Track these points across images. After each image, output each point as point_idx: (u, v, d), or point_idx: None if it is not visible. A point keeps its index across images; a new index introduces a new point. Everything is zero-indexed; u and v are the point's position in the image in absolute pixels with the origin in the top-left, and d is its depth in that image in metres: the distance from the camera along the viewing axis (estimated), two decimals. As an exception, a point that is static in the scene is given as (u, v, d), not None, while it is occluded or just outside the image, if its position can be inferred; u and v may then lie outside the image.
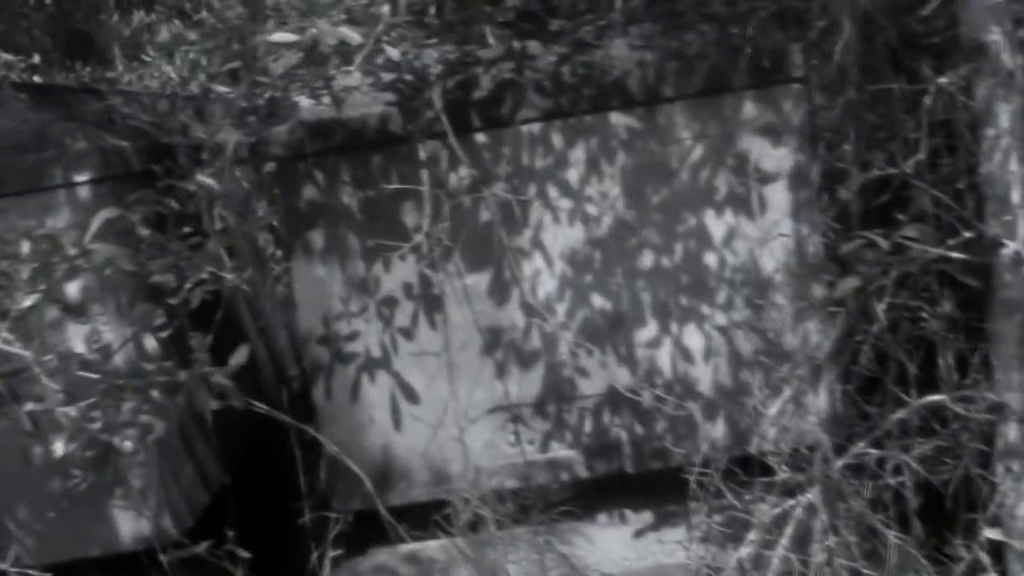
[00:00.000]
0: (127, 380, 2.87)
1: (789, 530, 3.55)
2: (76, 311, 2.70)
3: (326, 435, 4.20)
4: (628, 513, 4.25)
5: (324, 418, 4.21)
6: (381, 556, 4.34)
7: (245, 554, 3.77)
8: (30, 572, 2.78)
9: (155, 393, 2.86)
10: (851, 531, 3.49)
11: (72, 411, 2.69)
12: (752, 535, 3.69)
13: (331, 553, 4.31)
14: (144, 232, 2.90)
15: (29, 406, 2.60)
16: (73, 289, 3.54)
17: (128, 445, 2.83)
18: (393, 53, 3.46)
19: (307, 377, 4.48)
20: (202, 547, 3.55)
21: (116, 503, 4.08)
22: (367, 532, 4.45)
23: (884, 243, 3.23)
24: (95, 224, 2.70)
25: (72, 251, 2.59)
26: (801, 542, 3.73)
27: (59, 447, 2.68)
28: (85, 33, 11.10)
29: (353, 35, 3.29)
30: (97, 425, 2.75)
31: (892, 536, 3.47)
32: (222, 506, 4.51)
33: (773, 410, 3.59)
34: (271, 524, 4.57)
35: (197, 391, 2.92)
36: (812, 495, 3.57)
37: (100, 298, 3.99)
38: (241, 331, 5.23)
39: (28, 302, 2.67)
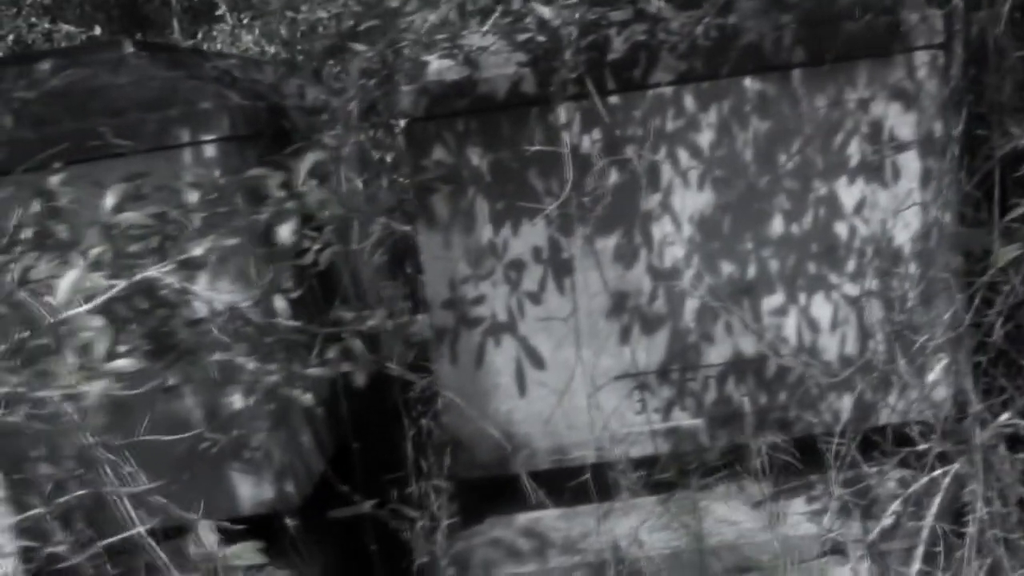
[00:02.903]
0: (311, 329, 2.82)
1: (938, 500, 3.49)
2: (283, 255, 2.65)
3: (448, 401, 4.15)
4: (749, 484, 4.18)
5: (447, 384, 4.16)
6: (497, 528, 4.29)
7: (414, 513, 3.73)
8: (225, 524, 2.74)
9: (357, 343, 2.81)
10: (1003, 503, 3.44)
11: (250, 363, 2.64)
12: (895, 505, 3.63)
13: (445, 523, 4.27)
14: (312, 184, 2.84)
15: (216, 355, 2.55)
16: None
17: (309, 398, 2.79)
18: (544, 11, 3.40)
19: (421, 344, 4.42)
20: (367, 506, 3.50)
21: (237, 466, 4.03)
22: (482, 503, 4.41)
23: (1053, 210, 3.17)
24: (304, 167, 2.65)
25: (280, 194, 2.53)
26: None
27: (237, 400, 2.64)
28: (135, 6, 11.05)
29: (509, -11, 3.23)
30: (274, 378, 2.70)
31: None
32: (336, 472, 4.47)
33: (931, 376, 3.52)
34: (374, 493, 4.54)
35: (394, 343, 2.87)
36: (960, 465, 3.51)
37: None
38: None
39: (199, 250, 2.62)
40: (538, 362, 4.11)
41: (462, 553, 4.25)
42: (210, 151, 3.98)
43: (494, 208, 4.03)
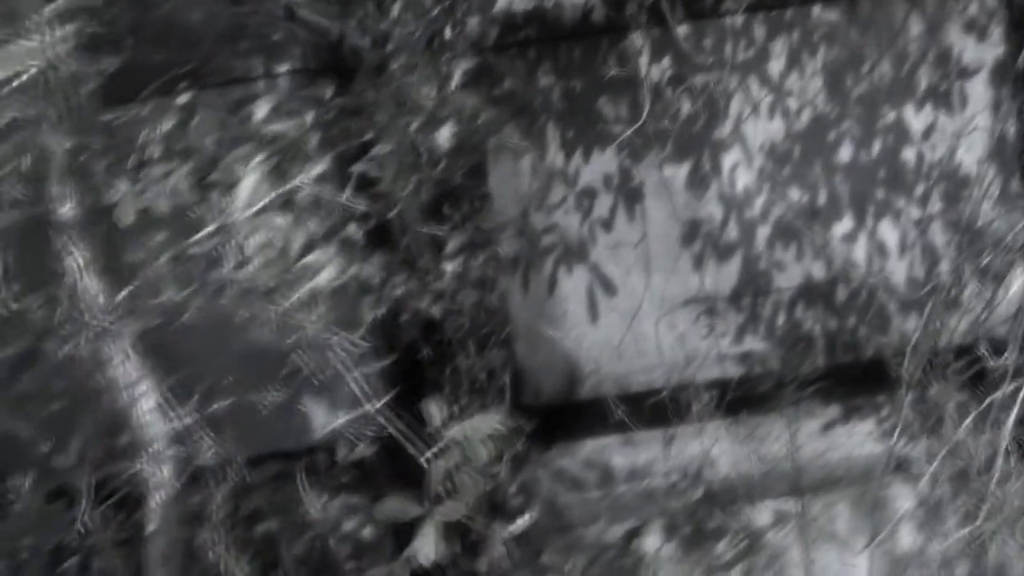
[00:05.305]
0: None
1: (1015, 412, 3.57)
2: (435, 163, 2.67)
3: (517, 328, 4.19)
4: (817, 405, 4.25)
5: (515, 311, 4.19)
6: (565, 454, 4.33)
7: (527, 425, 3.75)
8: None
9: (504, 248, 2.84)
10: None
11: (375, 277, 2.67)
12: (969, 421, 3.71)
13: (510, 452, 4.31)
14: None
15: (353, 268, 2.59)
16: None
17: (437, 311, 2.83)
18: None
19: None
20: (496, 422, 3.47)
21: (309, 393, 4.05)
22: (549, 430, 4.45)
23: None
24: (457, 75, 2.68)
25: (430, 103, 2.56)
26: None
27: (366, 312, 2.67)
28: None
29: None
30: (400, 291, 2.74)
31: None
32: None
33: (1012, 290, 3.60)
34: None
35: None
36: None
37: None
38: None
39: (317, 169, 2.66)
40: (608, 289, 4.14)
41: (529, 480, 4.29)
42: (283, 83, 3.97)
43: (565, 136, 4.05)
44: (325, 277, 2.24)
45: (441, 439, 2.61)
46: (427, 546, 2.56)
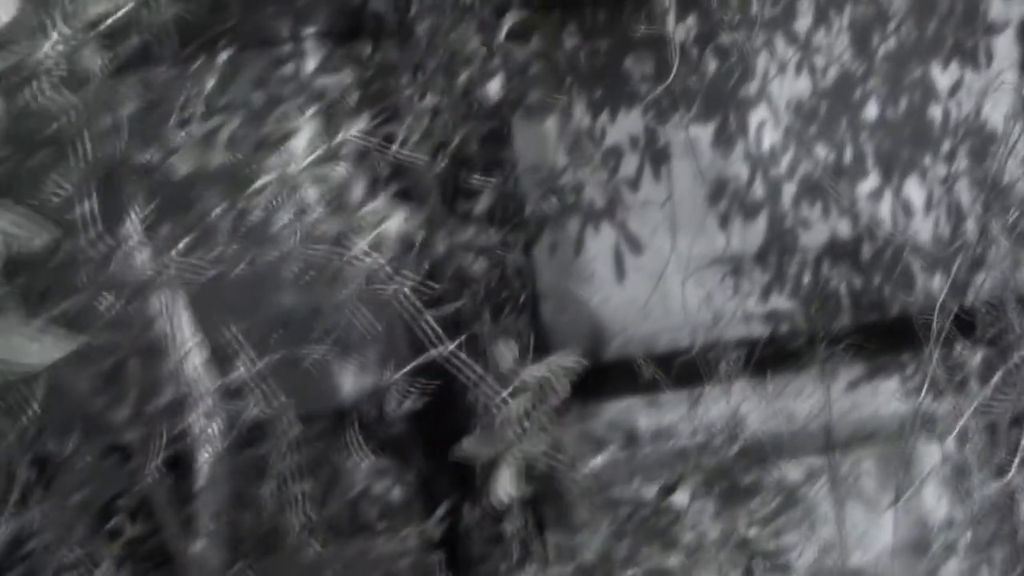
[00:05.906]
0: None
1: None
2: (490, 113, 2.66)
3: (543, 288, 4.20)
4: (843, 363, 4.27)
5: (541, 271, 4.20)
6: (592, 415, 4.34)
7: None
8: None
9: (553, 201, 2.82)
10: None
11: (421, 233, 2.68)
12: (996, 378, 3.73)
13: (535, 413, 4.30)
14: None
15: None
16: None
17: (479, 268, 2.84)
18: None
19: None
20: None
21: (337, 356, 4.06)
22: (573, 392, 4.44)
23: None
24: (506, 25, 2.67)
25: (481, 52, 2.56)
26: None
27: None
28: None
29: None
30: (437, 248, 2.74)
31: None
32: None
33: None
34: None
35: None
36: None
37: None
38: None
39: (358, 125, 2.66)
40: (634, 249, 4.15)
41: (557, 440, 4.29)
42: (311, 46, 3.97)
43: (591, 97, 4.05)
44: (393, 225, 2.24)
45: (511, 381, 2.61)
46: (506, 484, 2.58)
